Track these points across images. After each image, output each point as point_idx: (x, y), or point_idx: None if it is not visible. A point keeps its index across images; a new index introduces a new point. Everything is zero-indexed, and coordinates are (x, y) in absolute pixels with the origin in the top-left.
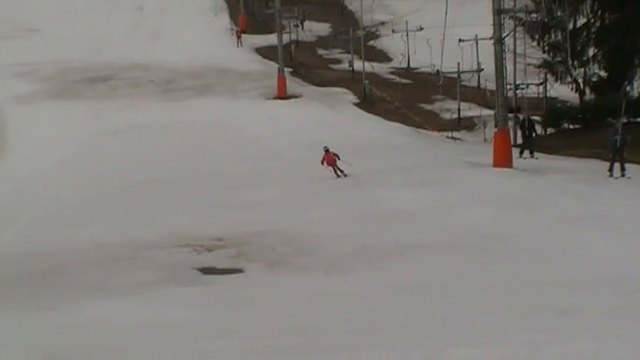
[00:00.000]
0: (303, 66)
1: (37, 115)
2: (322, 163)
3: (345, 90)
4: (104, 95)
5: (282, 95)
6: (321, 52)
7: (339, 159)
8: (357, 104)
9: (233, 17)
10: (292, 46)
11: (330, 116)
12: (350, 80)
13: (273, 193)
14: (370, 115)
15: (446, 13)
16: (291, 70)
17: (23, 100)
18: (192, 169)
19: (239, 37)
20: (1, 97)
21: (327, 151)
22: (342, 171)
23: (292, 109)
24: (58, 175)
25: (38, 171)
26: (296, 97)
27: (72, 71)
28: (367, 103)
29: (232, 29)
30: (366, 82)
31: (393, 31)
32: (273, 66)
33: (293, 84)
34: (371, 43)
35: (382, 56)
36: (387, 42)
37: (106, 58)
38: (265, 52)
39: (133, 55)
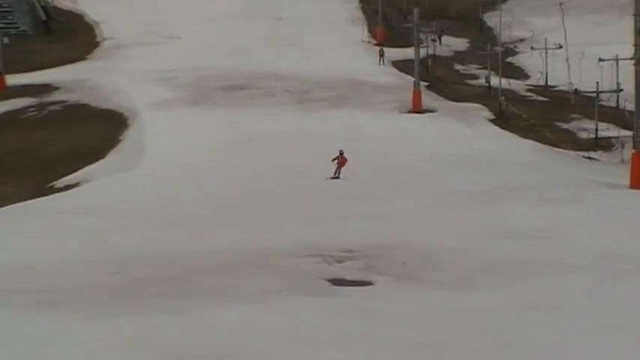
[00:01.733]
0: (439, 80)
1: (173, 122)
2: (333, 160)
3: (481, 106)
4: (240, 103)
5: (417, 109)
6: (457, 67)
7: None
8: (492, 120)
9: (371, 30)
10: (429, 60)
11: (464, 132)
12: (486, 96)
13: (402, 206)
14: (505, 132)
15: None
16: (427, 84)
17: (161, 107)
18: (319, 177)
19: (381, 56)
20: (139, 102)
21: (341, 153)
22: (337, 175)
23: (426, 123)
24: (191, 180)
25: (172, 176)
26: (431, 111)
27: (209, 79)
28: (502, 120)
29: (368, 41)
30: (502, 98)
31: (532, 48)
32: (408, 79)
33: (428, 98)
34: (509, 59)
35: (519, 73)
36: (524, 59)
37: (244, 66)
38: (401, 66)
39: (269, 64)
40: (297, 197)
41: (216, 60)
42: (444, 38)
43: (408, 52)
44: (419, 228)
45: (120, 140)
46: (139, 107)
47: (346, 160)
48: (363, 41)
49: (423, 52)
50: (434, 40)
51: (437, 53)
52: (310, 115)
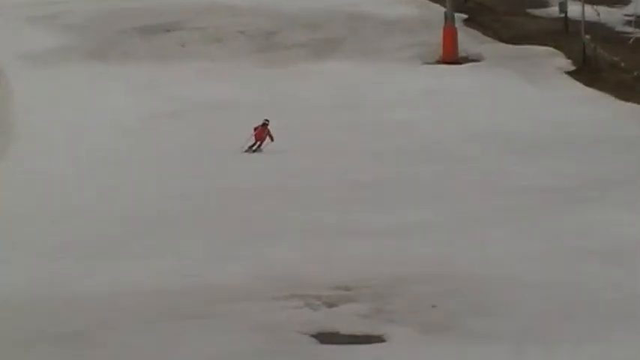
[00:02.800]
0: (484, 10)
1: (60, 86)
2: (255, 129)
3: (553, 50)
4: (166, 54)
5: (451, 58)
6: None
7: (272, 140)
8: (570, 73)
9: None
10: None
11: (527, 92)
12: (561, 35)
13: (431, 212)
14: (592, 92)
15: None
16: (465, 17)
17: (39, 62)
18: (302, 172)
19: None
20: (3, 55)
21: (265, 124)
22: (258, 147)
23: (465, 80)
24: (92, 178)
25: (60, 172)
26: (473, 60)
27: (117, 15)
28: (588, 72)
29: None
30: (587, 37)
31: None
32: (436, 10)
33: (468, 39)
34: None
35: None
36: None
37: None
38: None
39: None
40: (260, 203)
41: None
42: None
43: None
44: (459, 248)
45: None
46: (4, 63)
47: (270, 136)
48: None
49: None
50: None
51: None
52: (278, 71)
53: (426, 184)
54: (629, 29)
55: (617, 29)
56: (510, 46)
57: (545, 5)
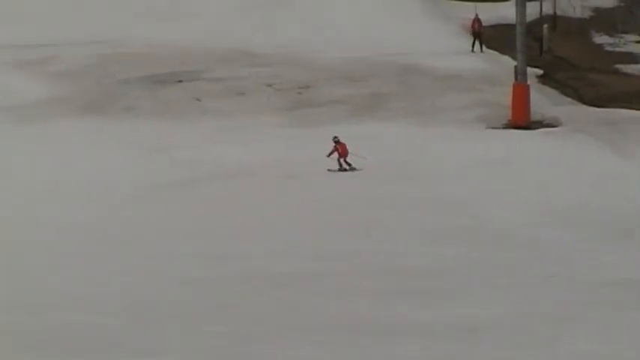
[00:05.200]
0: (563, 65)
1: (47, 145)
2: (330, 155)
3: None
4: (177, 110)
5: (521, 122)
6: (599, 39)
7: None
8: None
9: None
10: (544, 26)
11: (611, 164)
12: None
13: (492, 308)
14: None
15: None
16: (540, 72)
17: (23, 116)
18: (335, 255)
19: (478, 34)
20: None
21: (337, 142)
22: (349, 164)
23: (538, 149)
24: (77, 260)
25: (37, 253)
26: (547, 125)
27: (117, 62)
28: None
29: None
30: None
31: None
32: (505, 64)
33: (543, 99)
34: None
35: None
36: None
37: (185, 38)
38: (491, 36)
39: (235, 34)
40: (287, 289)
41: (132, 25)
42: None
43: (505, 11)
44: (526, 352)
45: None
46: None
47: (346, 148)
48: None
49: (532, 10)
50: None
51: (560, 12)
52: (312, 132)
53: (487, 274)
54: None
55: None
56: (593, 109)
57: (636, 61)
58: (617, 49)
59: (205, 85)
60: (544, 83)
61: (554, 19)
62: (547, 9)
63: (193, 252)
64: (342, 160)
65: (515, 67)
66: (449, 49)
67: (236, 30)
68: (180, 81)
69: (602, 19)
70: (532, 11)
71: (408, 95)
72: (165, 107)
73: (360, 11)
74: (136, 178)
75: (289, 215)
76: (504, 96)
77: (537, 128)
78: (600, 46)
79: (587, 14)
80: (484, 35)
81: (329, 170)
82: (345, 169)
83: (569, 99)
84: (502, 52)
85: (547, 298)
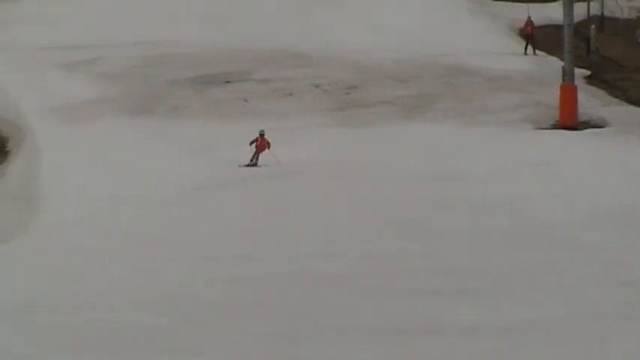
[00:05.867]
0: (610, 66)
1: (96, 145)
2: (251, 144)
3: None
4: (224, 111)
5: (569, 122)
6: None
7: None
8: None
9: None
10: (592, 27)
11: None
12: None
13: (538, 309)
14: None
15: None
16: (587, 73)
17: (71, 117)
18: (382, 255)
19: (530, 38)
20: (29, 109)
21: (262, 135)
22: (254, 161)
23: (585, 150)
24: (125, 258)
25: (88, 251)
26: (595, 125)
27: (165, 63)
28: None
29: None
30: None
31: None
32: (552, 64)
33: (590, 99)
34: None
35: None
36: None
37: (232, 39)
38: (539, 37)
39: (281, 34)
40: (330, 290)
41: (178, 26)
42: None
43: (552, 12)
44: (573, 353)
45: None
46: (31, 118)
47: (268, 143)
48: None
49: (580, 11)
50: None
51: (607, 13)
52: (360, 132)
53: (533, 275)
54: None
55: None
56: None
57: None
58: None
59: (253, 86)
60: (591, 84)
61: (601, 20)
62: (594, 10)
63: (239, 252)
64: (255, 154)
65: (563, 67)
66: (496, 49)
67: (283, 30)
68: (228, 82)
69: None
70: (579, 12)
71: (455, 96)
72: (213, 108)
73: (407, 11)
74: (183, 179)
75: (336, 215)
76: (552, 96)
77: (585, 129)
78: None
79: (634, 15)
80: (537, 38)
81: (239, 166)
82: (253, 165)
83: (617, 99)
84: (550, 52)
85: (593, 299)
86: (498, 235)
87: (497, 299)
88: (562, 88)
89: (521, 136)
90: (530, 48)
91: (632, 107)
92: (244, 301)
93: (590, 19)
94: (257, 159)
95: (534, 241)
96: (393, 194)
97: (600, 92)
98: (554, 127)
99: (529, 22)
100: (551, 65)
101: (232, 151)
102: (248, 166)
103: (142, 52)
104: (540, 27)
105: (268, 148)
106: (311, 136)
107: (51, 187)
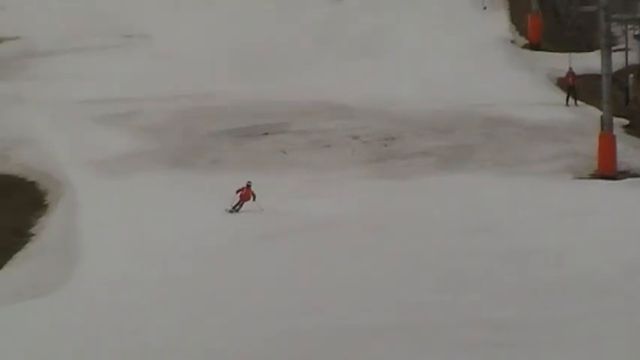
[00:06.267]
0: None
1: (134, 199)
2: (238, 192)
3: None
4: (263, 162)
5: (608, 172)
6: None
7: (253, 199)
8: None
9: (516, 18)
10: (630, 76)
11: None
12: None
13: None
14: None
15: None
16: (626, 122)
17: (110, 170)
18: (424, 306)
19: (571, 89)
20: (69, 162)
21: (248, 186)
22: (237, 208)
23: (625, 200)
24: (167, 312)
25: (128, 305)
26: (635, 175)
27: (202, 115)
28: None
29: (513, 40)
30: None
31: None
32: (590, 114)
33: (629, 149)
34: None
35: None
36: None
37: (269, 91)
38: (578, 87)
39: (319, 86)
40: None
41: (215, 80)
42: None
43: (590, 61)
44: None
45: (30, 236)
46: (69, 171)
47: (253, 195)
48: (511, 41)
49: (619, 59)
50: (638, 38)
51: None
52: (398, 184)
53: (578, 327)
54: None
55: None
56: None
57: None
58: None
59: (291, 138)
60: (630, 133)
61: (639, 69)
62: (632, 59)
63: (283, 305)
64: (239, 202)
65: (602, 117)
66: (534, 99)
67: (321, 81)
68: (266, 134)
69: None
70: (618, 61)
71: (494, 146)
72: (252, 160)
73: (445, 61)
74: (223, 230)
75: (376, 267)
76: (591, 146)
77: (623, 178)
78: None
79: None
80: (579, 89)
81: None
82: (233, 210)
83: None
84: (588, 102)
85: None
86: (539, 286)
87: (541, 353)
88: (601, 137)
89: (561, 186)
90: (571, 99)
91: None
92: (292, 354)
93: (628, 68)
94: (240, 206)
95: (576, 293)
96: (432, 245)
97: (639, 141)
98: (593, 176)
99: (570, 72)
100: (590, 115)
101: (273, 203)
102: (231, 212)
103: (180, 105)
104: (579, 76)
105: (253, 199)
106: (349, 188)
107: (90, 240)
